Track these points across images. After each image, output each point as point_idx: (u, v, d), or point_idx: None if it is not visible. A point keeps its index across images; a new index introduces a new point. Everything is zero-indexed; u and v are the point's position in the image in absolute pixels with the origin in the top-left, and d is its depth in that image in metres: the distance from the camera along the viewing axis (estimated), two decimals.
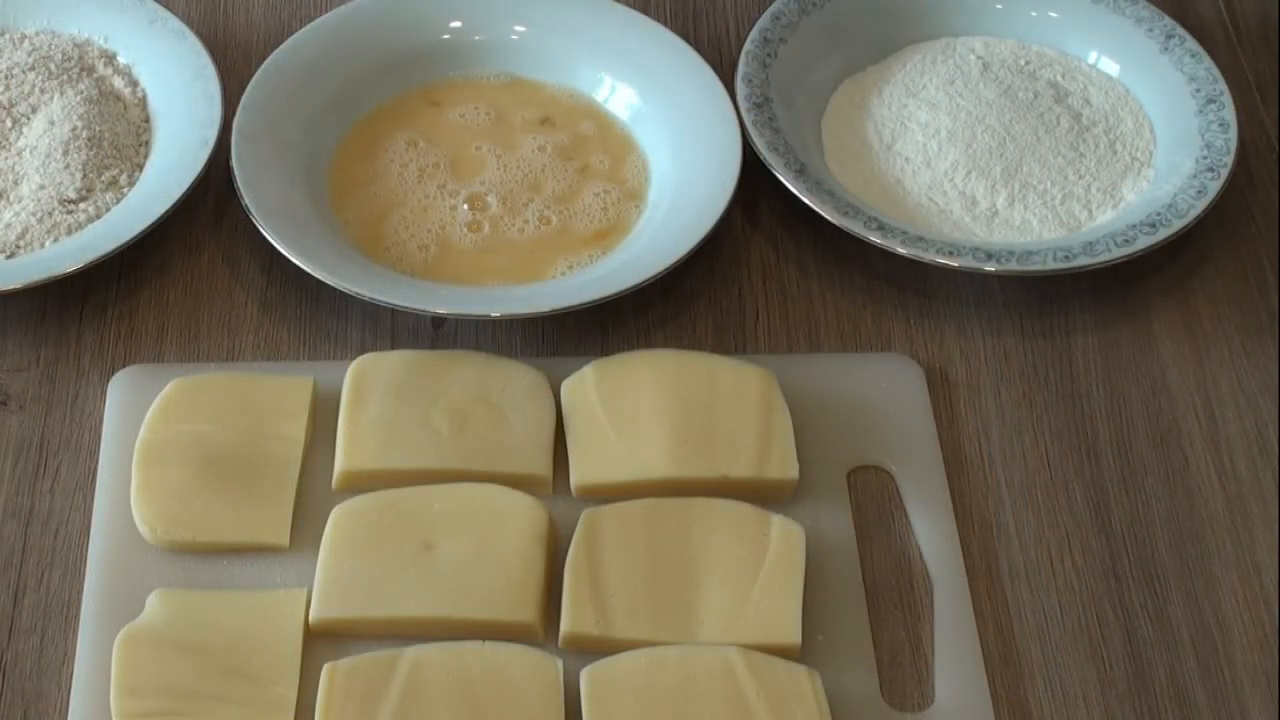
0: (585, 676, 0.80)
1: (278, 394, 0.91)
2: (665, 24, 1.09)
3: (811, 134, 1.06)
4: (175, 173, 1.00)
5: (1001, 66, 1.10)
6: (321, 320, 0.98)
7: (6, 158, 1.02)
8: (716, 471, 0.88)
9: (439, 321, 0.98)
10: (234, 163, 0.99)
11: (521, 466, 0.89)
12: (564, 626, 0.82)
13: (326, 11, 1.09)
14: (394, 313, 0.97)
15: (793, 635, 0.82)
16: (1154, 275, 1.02)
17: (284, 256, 0.95)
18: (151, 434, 0.89)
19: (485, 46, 1.10)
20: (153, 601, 0.83)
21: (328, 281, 0.93)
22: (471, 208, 1.02)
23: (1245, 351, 0.98)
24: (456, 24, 1.10)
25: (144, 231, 0.96)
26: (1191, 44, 1.09)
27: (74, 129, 1.02)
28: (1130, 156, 1.05)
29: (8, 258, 0.97)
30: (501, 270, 0.99)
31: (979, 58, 1.10)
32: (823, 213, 0.99)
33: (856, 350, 0.98)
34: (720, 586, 0.83)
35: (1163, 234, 0.98)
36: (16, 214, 0.99)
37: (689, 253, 0.96)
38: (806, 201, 0.99)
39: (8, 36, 1.09)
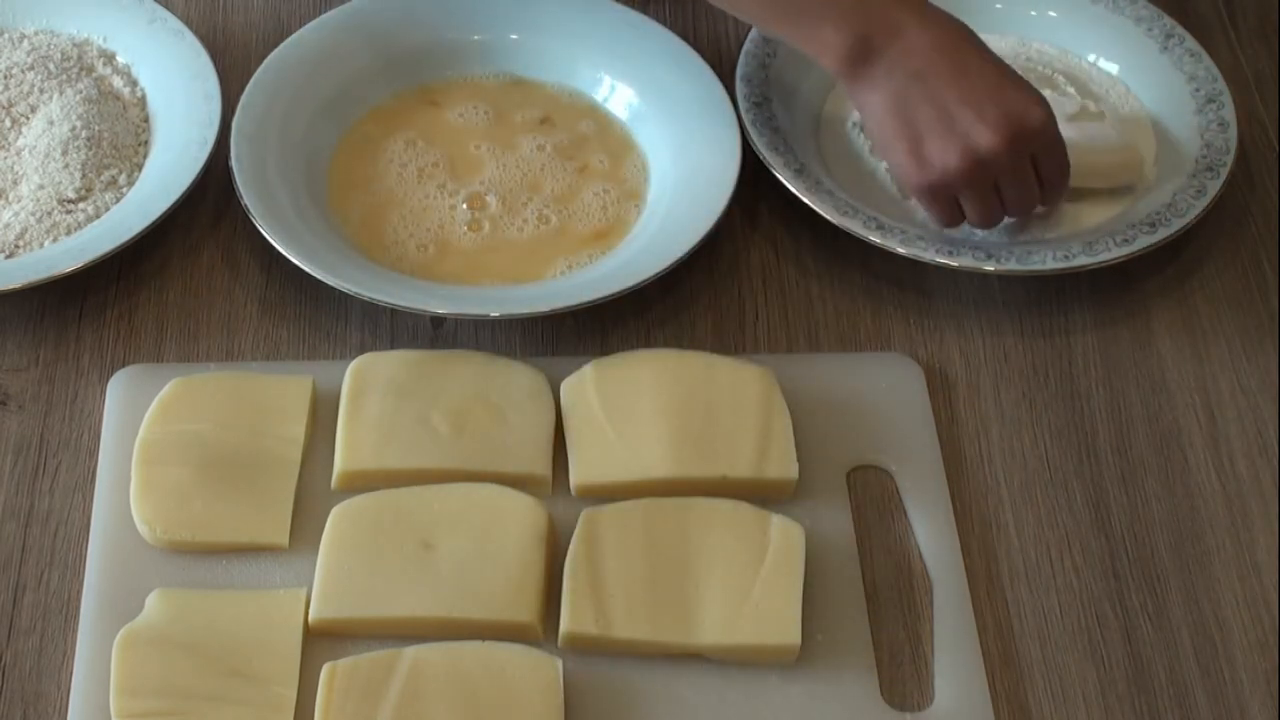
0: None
1: (277, 394, 0.91)
2: (665, 24, 1.09)
3: (811, 133, 1.06)
4: (174, 172, 1.00)
5: None
6: (321, 320, 0.98)
7: (6, 157, 1.02)
8: (716, 471, 0.88)
9: (438, 321, 0.98)
10: (233, 163, 0.99)
11: (521, 466, 0.89)
12: (563, 626, 0.82)
13: (326, 11, 1.09)
14: (393, 312, 0.97)
15: (792, 635, 0.82)
16: (1154, 275, 1.02)
17: (283, 256, 0.95)
18: (151, 434, 0.89)
19: (484, 46, 1.10)
20: (152, 601, 0.83)
21: (327, 281, 0.93)
22: (471, 207, 1.02)
23: (1245, 351, 0.98)
24: (456, 24, 1.10)
25: (143, 231, 0.96)
26: (1191, 43, 1.09)
27: (73, 129, 1.02)
28: (1129, 156, 1.05)
29: (7, 257, 0.97)
30: (501, 270, 0.99)
31: None
32: (822, 212, 0.99)
33: (856, 350, 0.98)
34: (720, 586, 0.83)
35: (1162, 234, 0.98)
36: (16, 214, 0.99)
37: (689, 253, 0.96)
38: (806, 201, 0.99)
39: (7, 36, 1.09)
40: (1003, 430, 0.94)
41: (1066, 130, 0.97)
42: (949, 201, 0.96)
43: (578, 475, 0.89)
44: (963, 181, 0.93)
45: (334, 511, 0.86)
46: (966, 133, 0.92)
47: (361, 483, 0.88)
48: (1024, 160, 0.94)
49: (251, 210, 0.96)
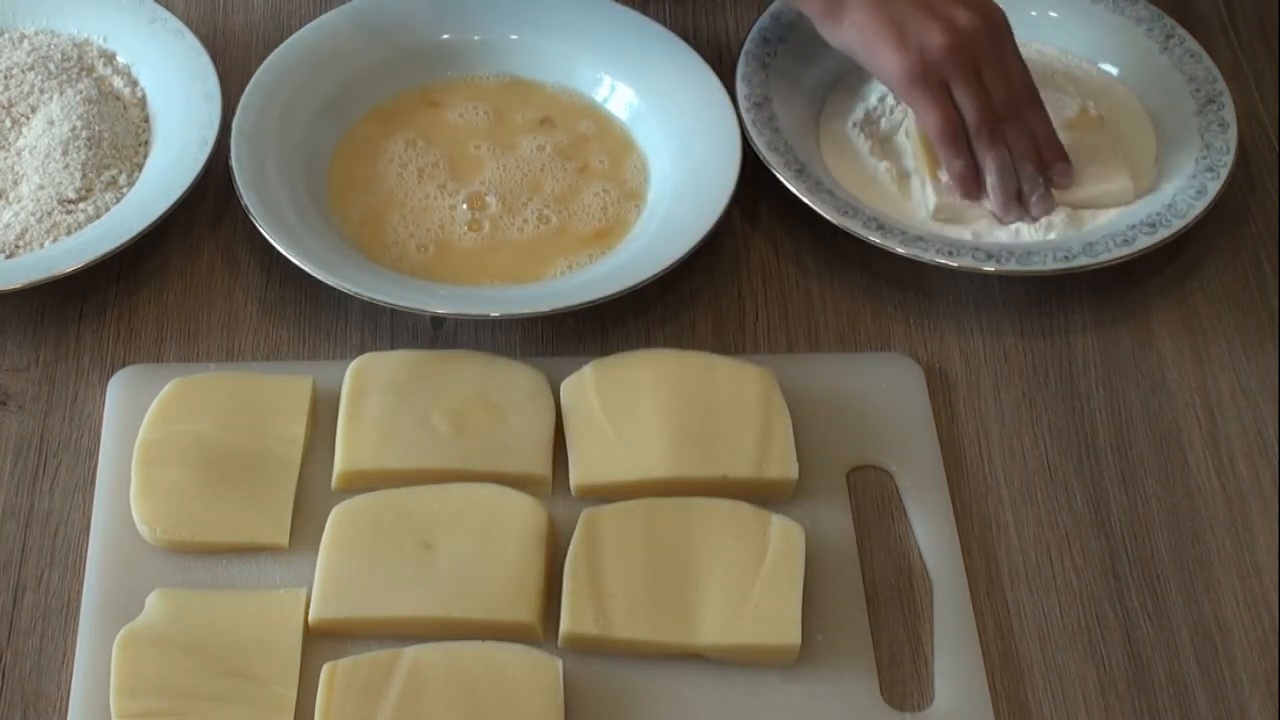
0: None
1: (277, 394, 0.91)
2: (665, 24, 1.09)
3: (811, 133, 1.06)
4: (174, 173, 1.00)
5: None
6: (321, 320, 0.98)
7: (6, 158, 1.02)
8: (716, 471, 0.88)
9: (438, 321, 0.98)
10: (234, 163, 0.99)
11: (521, 466, 0.89)
12: (564, 626, 0.82)
13: (326, 11, 1.09)
14: (393, 312, 0.97)
15: (792, 635, 0.82)
16: (1154, 275, 1.02)
17: (283, 256, 0.95)
18: (151, 434, 0.89)
19: (484, 47, 1.10)
20: (152, 601, 0.83)
21: (327, 281, 0.94)
22: (471, 207, 1.02)
23: (1245, 351, 0.98)
24: (456, 24, 1.10)
25: (143, 231, 0.96)
26: (1191, 44, 1.09)
27: (73, 129, 1.02)
28: (1130, 156, 1.05)
29: (7, 257, 0.97)
30: (501, 270, 0.99)
31: None
32: (822, 212, 0.99)
33: (856, 350, 0.98)
34: (720, 586, 0.83)
35: (1162, 234, 0.98)
36: (16, 214, 0.99)
37: (689, 253, 0.96)
38: (806, 201, 0.99)
39: (7, 36, 1.09)
40: (1003, 430, 0.94)
41: (1063, 139, 0.97)
42: (940, 89, 0.98)
43: (578, 475, 0.89)
44: (948, 59, 0.97)
45: (334, 511, 0.86)
46: (945, 11, 0.98)
47: (361, 483, 0.88)
48: (1002, 50, 0.99)
49: (251, 210, 0.96)
